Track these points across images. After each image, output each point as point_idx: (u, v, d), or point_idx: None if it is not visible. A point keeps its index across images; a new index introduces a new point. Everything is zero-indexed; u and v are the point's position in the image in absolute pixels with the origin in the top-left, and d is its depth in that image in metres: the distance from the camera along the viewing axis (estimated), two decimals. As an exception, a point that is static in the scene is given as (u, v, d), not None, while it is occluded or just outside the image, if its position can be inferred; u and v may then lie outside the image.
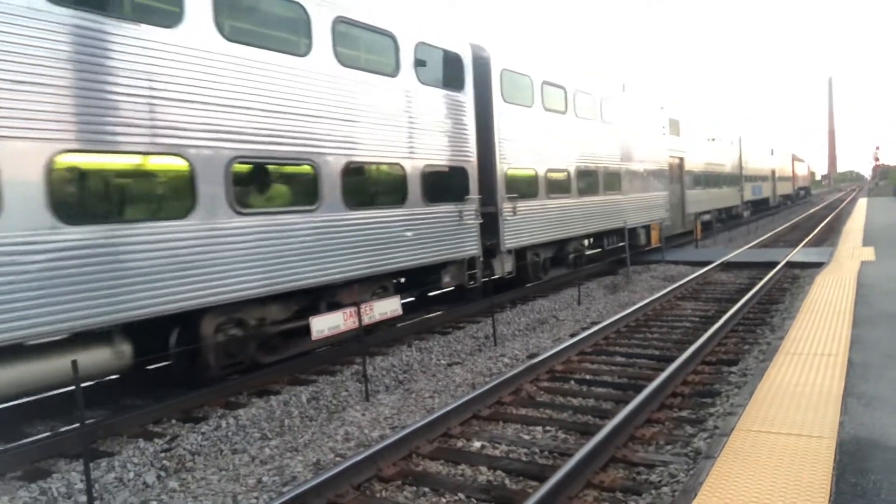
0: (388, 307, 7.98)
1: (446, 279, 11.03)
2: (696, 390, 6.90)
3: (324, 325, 7.11)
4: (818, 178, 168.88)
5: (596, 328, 9.44)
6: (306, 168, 8.23)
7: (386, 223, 9.39)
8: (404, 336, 10.18)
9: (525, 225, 12.86)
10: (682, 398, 6.69)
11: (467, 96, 11.34)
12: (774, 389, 5.53)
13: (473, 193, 11.31)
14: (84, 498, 5.04)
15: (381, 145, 9.40)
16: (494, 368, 8.27)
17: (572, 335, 9.65)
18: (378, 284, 9.69)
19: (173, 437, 6.32)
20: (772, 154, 45.65)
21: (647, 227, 19.03)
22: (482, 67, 12.05)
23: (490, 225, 12.02)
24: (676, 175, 22.58)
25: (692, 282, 13.99)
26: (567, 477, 4.59)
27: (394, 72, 9.69)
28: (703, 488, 3.77)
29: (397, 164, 9.75)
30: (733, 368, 7.56)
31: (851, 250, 15.75)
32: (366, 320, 7.58)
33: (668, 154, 21.08)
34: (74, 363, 4.76)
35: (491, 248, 12.15)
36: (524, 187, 13.02)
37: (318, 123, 8.33)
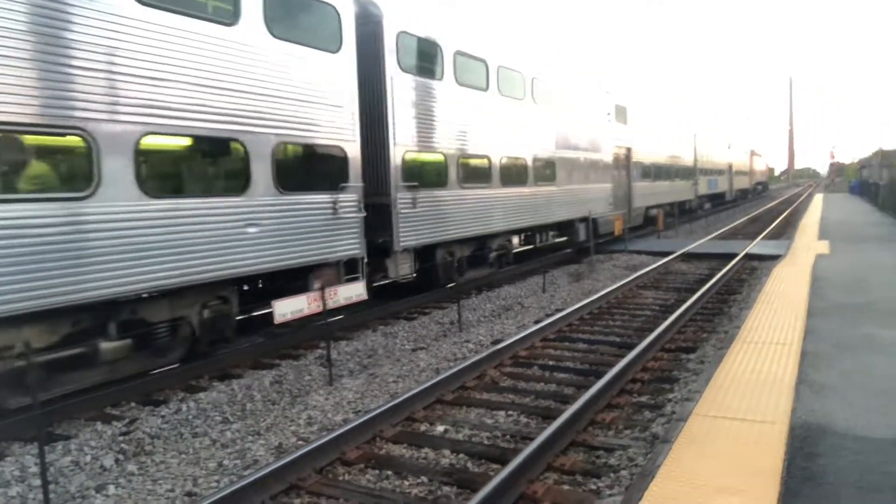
0: (352, 291, 7.94)
1: (316, 285, 8.50)
2: (655, 376, 7.05)
3: (286, 308, 7.05)
4: (777, 174, 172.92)
5: (560, 315, 9.56)
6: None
7: (212, 217, 7.26)
8: (369, 321, 10.16)
9: (430, 219, 11.05)
10: (641, 384, 6.82)
11: (345, 59, 9.12)
12: (731, 377, 5.68)
13: (354, 180, 9.24)
14: (38, 481, 4.93)
15: (204, 113, 7.18)
16: (459, 354, 8.31)
17: (536, 322, 9.75)
18: (213, 294, 7.76)
19: (132, 420, 6.22)
20: (729, 148, 44.51)
21: (591, 221, 17.34)
22: (372, 27, 10.05)
23: (383, 219, 10.27)
24: (623, 166, 20.95)
25: (654, 271, 14.23)
26: (528, 460, 4.66)
27: (231, 18, 7.50)
28: (660, 471, 3.87)
29: (234, 139, 7.56)
30: (691, 356, 7.74)
31: (807, 244, 16.20)
32: (330, 304, 7.54)
33: (614, 143, 19.77)
34: (27, 344, 4.64)
35: (384, 246, 10.41)
36: (430, 175, 11.26)
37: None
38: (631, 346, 7.88)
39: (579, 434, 5.45)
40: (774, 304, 8.76)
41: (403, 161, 10.48)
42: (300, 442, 5.56)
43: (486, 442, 5.48)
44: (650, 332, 8.43)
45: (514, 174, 13.73)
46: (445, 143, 11.53)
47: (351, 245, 9.26)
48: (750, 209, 40.21)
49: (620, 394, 6.50)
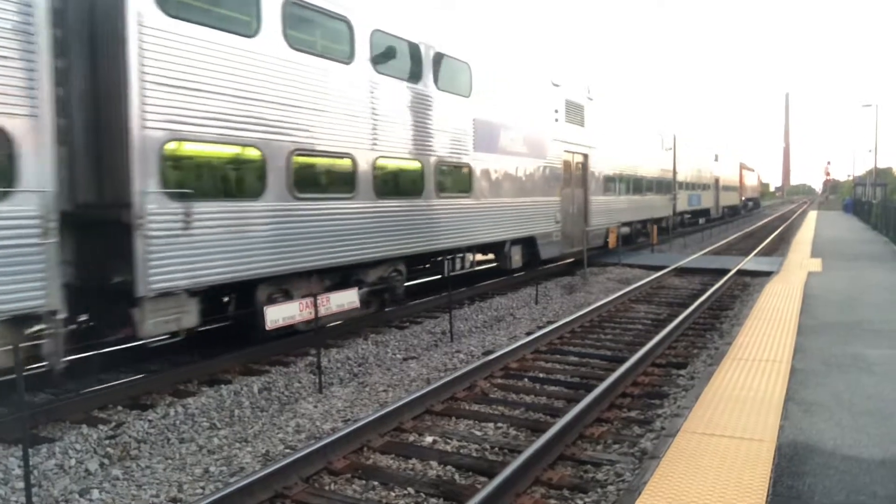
0: (344, 299, 7.92)
1: None
2: (645, 391, 7.04)
3: (278, 314, 7.02)
4: (772, 189, 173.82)
5: (551, 327, 9.55)
6: None
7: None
8: (360, 329, 10.13)
9: (228, 245, 7.41)
10: (631, 399, 6.82)
11: None
12: (720, 393, 5.68)
13: (29, 183, 5.79)
14: (21, 484, 4.89)
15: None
16: (450, 364, 8.30)
17: (528, 333, 9.74)
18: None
19: (118, 423, 6.17)
20: (716, 160, 40.39)
21: (531, 242, 14.49)
22: None
23: (121, 245, 6.59)
24: (577, 177, 17.30)
25: (646, 285, 14.26)
26: (516, 473, 4.64)
27: None
28: (647, 488, 3.86)
29: None
30: (682, 371, 7.74)
31: (800, 261, 16.27)
32: (322, 312, 7.52)
33: (564, 148, 16.14)
34: (16, 347, 4.61)
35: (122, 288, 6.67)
36: (229, 179, 7.78)
37: None
38: (622, 361, 7.88)
39: (568, 448, 5.44)
40: (765, 320, 8.78)
41: (162, 154, 6.75)
42: (287, 450, 5.53)
43: (474, 454, 5.46)
44: (641, 346, 8.44)
45: (398, 182, 10.46)
46: (262, 132, 7.83)
47: (22, 293, 5.72)
48: (732, 229, 40.32)
49: (610, 408, 6.49)
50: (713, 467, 4.12)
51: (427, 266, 12.63)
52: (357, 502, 4.56)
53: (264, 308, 7.01)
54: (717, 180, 40.94)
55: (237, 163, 7.85)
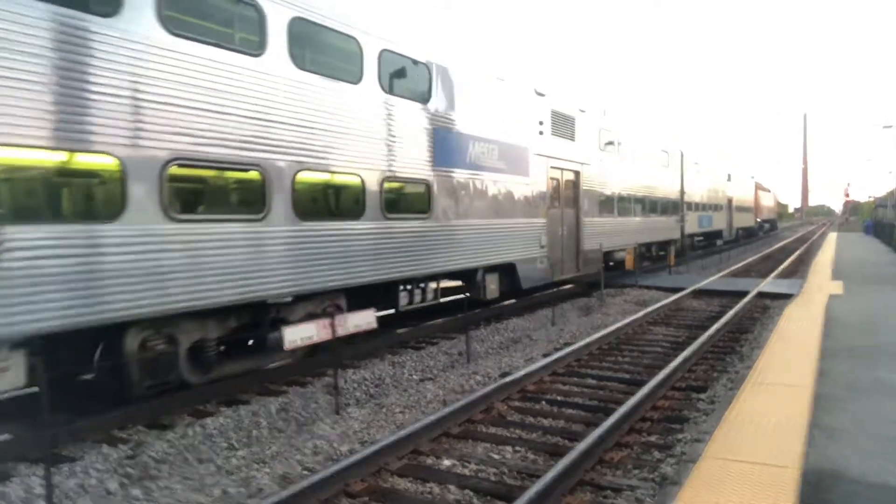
0: (362, 319, 7.95)
1: None
2: (665, 416, 6.96)
3: (296, 335, 7.05)
4: (791, 210, 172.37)
5: (569, 349, 9.49)
6: None
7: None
8: (377, 349, 10.14)
9: (66, 278, 5.86)
10: (651, 423, 6.74)
11: None
12: (742, 418, 5.61)
13: None
14: (43, 503, 4.92)
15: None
16: (466, 386, 8.27)
17: (545, 355, 9.69)
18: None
19: (138, 443, 6.21)
20: (729, 179, 38.31)
21: (510, 268, 12.99)
22: None
23: None
24: (568, 196, 15.66)
25: (664, 307, 14.15)
26: (535, 498, 4.60)
27: None
28: (668, 514, 3.81)
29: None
30: (702, 395, 7.65)
31: (820, 284, 16.08)
32: (339, 332, 7.54)
33: (550, 164, 14.53)
34: (38, 366, 4.67)
35: None
36: (65, 195, 6.31)
37: None
38: (641, 384, 7.81)
39: (587, 473, 5.39)
40: (786, 344, 8.67)
41: None
42: (305, 471, 5.53)
43: (492, 478, 5.42)
44: (660, 369, 8.36)
45: (328, 201, 9.11)
46: (128, 133, 6.34)
47: None
48: (760, 247, 39.94)
49: (630, 432, 6.42)
50: (736, 493, 4.07)
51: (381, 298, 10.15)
52: (375, 526, 4.53)
53: (282, 328, 7.03)
54: (730, 201, 38.69)
55: (91, 174, 6.39)
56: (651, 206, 22.09)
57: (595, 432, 5.86)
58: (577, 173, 16.06)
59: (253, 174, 7.64)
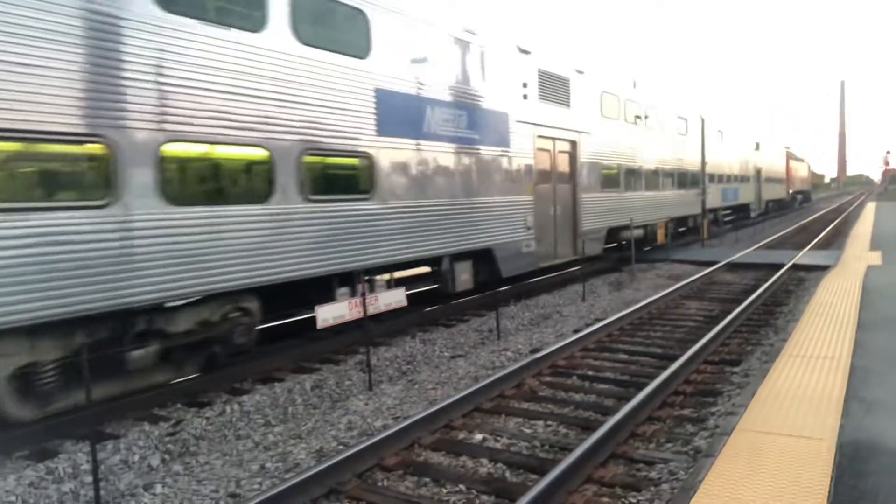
0: (392, 298, 8.02)
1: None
2: (697, 389, 6.92)
3: (329, 314, 7.16)
4: (827, 181, 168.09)
5: (599, 325, 9.47)
6: None
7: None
8: (408, 327, 10.22)
9: None
10: (683, 396, 6.72)
11: None
12: (776, 391, 5.55)
13: None
14: (90, 478, 5.11)
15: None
16: (497, 362, 8.31)
17: (576, 331, 9.68)
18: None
19: (178, 421, 6.38)
20: (757, 149, 35.32)
21: (487, 255, 11.34)
22: None
23: None
24: (562, 170, 13.86)
25: (697, 281, 13.98)
26: (567, 471, 4.63)
27: None
28: (702, 486, 3.81)
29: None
30: (736, 369, 7.58)
31: (858, 254, 15.71)
32: (371, 310, 7.62)
33: (538, 133, 12.73)
34: (84, 346, 4.82)
35: None
36: None
37: None
38: (673, 358, 7.76)
39: (619, 446, 5.40)
40: (822, 316, 8.53)
41: None
42: (340, 446, 5.64)
43: (524, 452, 5.46)
44: (693, 343, 8.29)
45: (222, 180, 7.34)
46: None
47: None
48: (796, 219, 39.06)
49: (662, 406, 6.41)
50: (770, 466, 4.04)
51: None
52: (409, 499, 4.61)
53: (315, 307, 7.13)
54: (758, 171, 35.58)
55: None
56: (665, 178, 20.00)
57: (627, 406, 5.86)
58: (573, 143, 14.22)
59: (95, 148, 6.02)
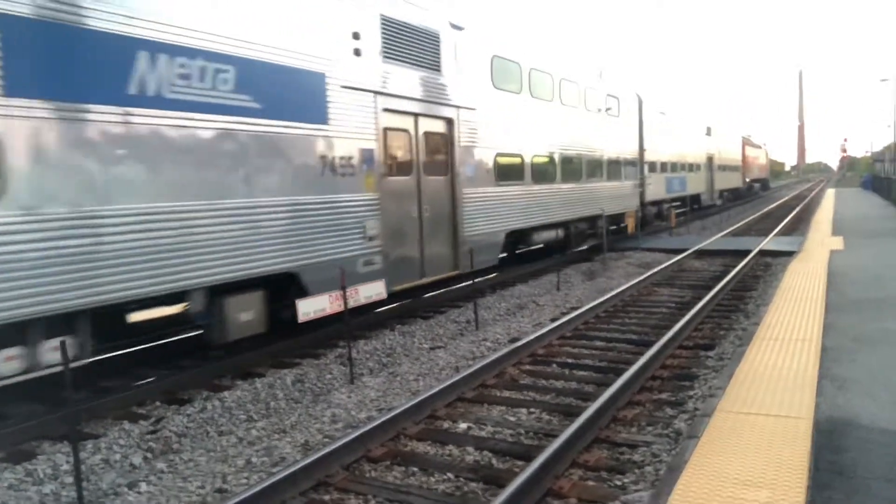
0: (373, 290, 8.01)
1: None
2: (674, 374, 7.07)
3: (310, 307, 7.12)
4: (787, 168, 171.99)
5: (575, 313, 9.59)
6: None
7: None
8: (386, 320, 10.22)
9: None
10: (661, 381, 6.86)
11: None
12: (752, 373, 5.70)
13: None
14: (70, 479, 5.02)
15: None
16: (477, 352, 8.37)
17: (553, 320, 9.79)
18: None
19: (158, 419, 6.30)
20: (708, 134, 32.24)
21: (286, 284, 7.97)
22: None
23: None
24: (433, 156, 10.68)
25: (667, 269, 14.23)
26: (553, 456, 4.70)
27: None
28: (688, 466, 3.91)
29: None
30: (710, 353, 7.76)
31: (821, 240, 16.15)
32: (351, 303, 7.61)
33: (385, 105, 9.38)
34: (63, 344, 4.73)
35: None
36: None
37: None
38: (649, 344, 7.91)
39: (602, 431, 5.49)
40: (792, 300, 8.76)
41: None
42: (326, 439, 5.63)
43: (509, 439, 5.53)
44: (668, 329, 8.46)
45: None
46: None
47: None
48: (759, 206, 39.86)
49: (641, 391, 6.53)
50: (752, 444, 4.16)
51: None
52: (398, 489, 4.64)
53: (296, 301, 7.09)
54: (710, 159, 32.47)
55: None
56: (590, 168, 16.83)
57: (607, 392, 5.96)
58: (449, 122, 10.90)
59: None
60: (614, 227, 19.41)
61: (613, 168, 18.55)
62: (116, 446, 5.68)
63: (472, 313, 10.11)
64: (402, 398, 6.65)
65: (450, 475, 4.85)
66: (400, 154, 9.94)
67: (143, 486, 4.93)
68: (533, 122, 13.88)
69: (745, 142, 46.82)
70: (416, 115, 10.16)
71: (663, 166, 24.10)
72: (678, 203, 26.93)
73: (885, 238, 15.89)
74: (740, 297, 11.14)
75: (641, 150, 21.05)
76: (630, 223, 19.49)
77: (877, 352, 6.13)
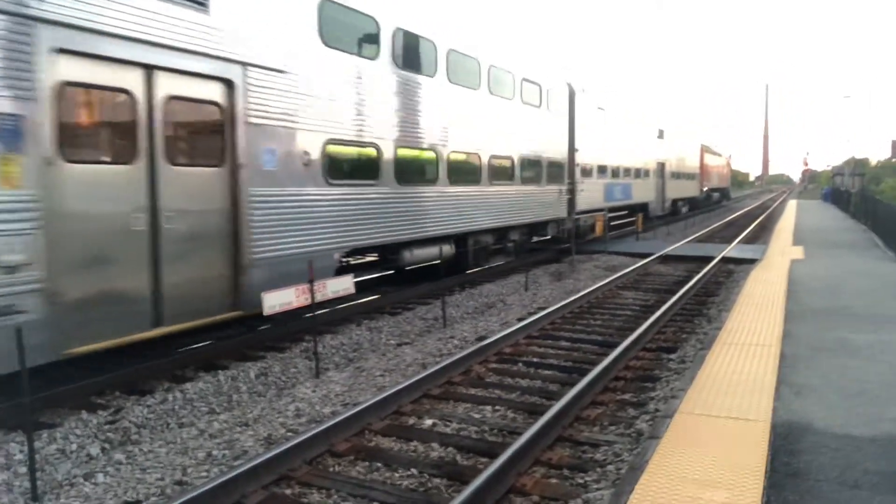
0: (340, 285, 7.96)
1: None
2: (637, 375, 7.18)
3: (275, 300, 7.04)
4: (752, 179, 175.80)
5: (542, 313, 9.66)
6: None
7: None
8: (353, 315, 10.17)
9: None
10: (624, 382, 6.95)
11: None
12: (713, 376, 5.82)
13: None
14: (24, 469, 4.89)
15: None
16: (444, 349, 8.38)
17: (520, 319, 9.85)
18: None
19: (117, 409, 6.18)
20: (661, 137, 29.24)
21: None
22: None
23: None
24: (187, 138, 7.56)
25: (633, 272, 14.43)
26: (517, 454, 4.73)
27: None
28: (649, 466, 3.97)
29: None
30: (673, 356, 7.89)
31: (782, 249, 16.55)
32: (318, 297, 7.55)
33: (56, 44, 5.87)
34: (19, 331, 4.60)
35: None
36: None
37: None
38: (613, 345, 8.01)
39: (565, 430, 5.55)
40: (753, 306, 8.96)
41: None
42: (289, 433, 5.58)
43: (474, 436, 5.55)
44: (631, 331, 8.57)
45: None
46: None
47: None
48: (724, 214, 40.60)
49: (604, 391, 6.61)
50: (711, 446, 4.25)
51: None
52: (362, 483, 4.63)
53: (262, 294, 7.00)
54: (661, 165, 29.39)
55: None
56: (497, 168, 13.74)
57: (571, 391, 6.02)
58: (227, 86, 7.58)
59: None
60: (547, 238, 17.38)
61: (530, 169, 15.36)
62: (73, 436, 5.56)
63: (440, 310, 10.12)
64: (368, 393, 6.63)
65: (414, 471, 4.85)
66: (107, 128, 6.76)
67: (100, 478, 4.84)
68: (396, 101, 10.48)
69: (705, 149, 43.67)
70: (148, 67, 6.75)
71: (602, 170, 21.06)
72: (625, 211, 23.67)
73: (844, 249, 16.35)
74: (703, 302, 11.35)
75: (572, 149, 18.02)
76: (599, 226, 19.70)
77: (832, 360, 6.31)
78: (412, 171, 11.09)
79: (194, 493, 4.07)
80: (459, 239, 12.82)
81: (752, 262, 14.61)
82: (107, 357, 7.66)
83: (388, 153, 10.39)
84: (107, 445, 5.52)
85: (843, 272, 12.15)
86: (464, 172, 12.65)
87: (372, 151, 10.09)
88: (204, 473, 4.86)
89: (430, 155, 11.63)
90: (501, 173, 14.06)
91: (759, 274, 12.10)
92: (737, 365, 6.14)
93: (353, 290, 8.22)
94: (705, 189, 44.13)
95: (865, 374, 5.81)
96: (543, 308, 10.59)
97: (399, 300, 11.44)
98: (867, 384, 5.53)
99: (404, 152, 10.81)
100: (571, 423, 5.73)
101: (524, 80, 14.93)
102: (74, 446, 5.42)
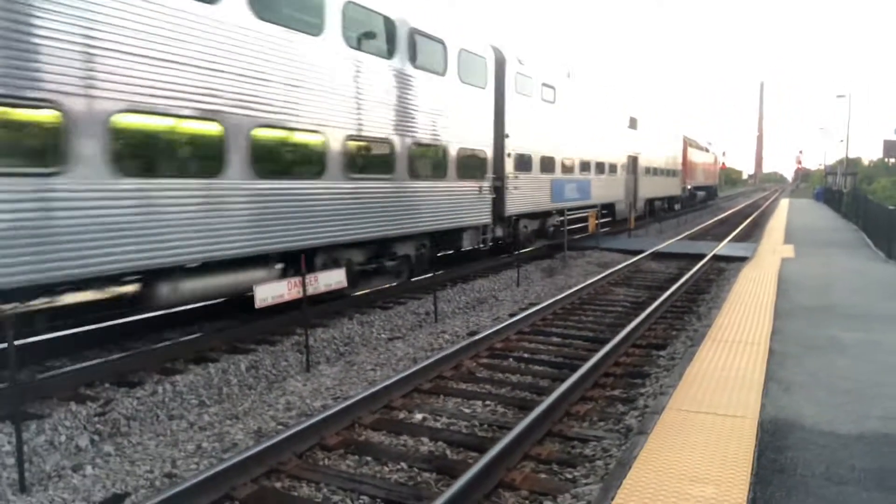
0: (333, 279, 7.95)
1: None
2: (627, 371, 7.21)
3: (267, 293, 7.03)
4: (745, 177, 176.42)
5: (534, 309, 9.68)
6: None
7: None
8: (345, 309, 10.16)
9: None
10: (614, 378, 6.97)
11: None
12: (702, 373, 5.85)
13: None
14: (12, 460, 4.88)
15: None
16: (436, 344, 8.39)
17: (511, 315, 9.87)
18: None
19: (107, 400, 6.15)
20: (633, 127, 25.15)
21: None
22: None
23: None
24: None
25: (625, 269, 14.47)
26: (506, 449, 4.75)
27: None
28: (637, 461, 4.00)
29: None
30: (662, 352, 7.92)
31: (773, 247, 16.62)
32: (310, 291, 7.54)
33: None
34: (9, 319, 4.58)
35: None
36: None
37: None
38: (604, 342, 8.04)
39: (555, 425, 5.57)
40: (742, 304, 9.01)
41: None
42: (280, 426, 5.59)
43: (464, 430, 5.56)
44: (622, 328, 8.61)
45: None
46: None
47: None
48: (716, 212, 40.70)
49: (594, 387, 6.64)
50: (700, 442, 4.28)
51: None
52: (352, 477, 4.63)
53: (254, 287, 6.98)
54: (633, 159, 25.26)
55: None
56: (363, 155, 9.97)
57: (561, 387, 6.04)
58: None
59: None
60: (452, 252, 14.06)
61: (426, 158, 11.67)
62: (62, 427, 5.53)
63: (431, 305, 10.12)
64: (359, 387, 6.64)
65: (403, 465, 4.86)
66: None
67: (89, 469, 4.83)
68: (236, 62, 7.48)
69: (689, 142, 38.51)
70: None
71: (547, 163, 16.95)
72: (561, 214, 17.90)
73: (834, 248, 16.44)
74: (693, 299, 11.40)
75: (501, 135, 14.34)
76: (592, 223, 19.73)
77: (821, 358, 6.35)
78: (255, 159, 7.74)
79: (184, 486, 4.06)
80: (290, 258, 8.70)
81: (744, 259, 14.67)
82: (94, 343, 7.65)
83: (218, 140, 7.29)
84: (96, 437, 5.51)
85: (834, 271, 12.23)
86: (294, 161, 8.73)
87: (182, 133, 7.03)
88: (193, 466, 4.87)
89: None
90: (372, 163, 10.17)
91: (750, 272, 12.16)
92: (726, 362, 6.18)
93: (345, 283, 8.21)
94: (689, 187, 39.04)
95: (853, 372, 5.85)
96: (535, 304, 10.61)
97: (391, 294, 11.43)
98: (855, 382, 5.57)
99: (234, 127, 7.44)
100: (561, 419, 5.75)
101: (415, 31, 10.86)
102: (63, 437, 5.41)
